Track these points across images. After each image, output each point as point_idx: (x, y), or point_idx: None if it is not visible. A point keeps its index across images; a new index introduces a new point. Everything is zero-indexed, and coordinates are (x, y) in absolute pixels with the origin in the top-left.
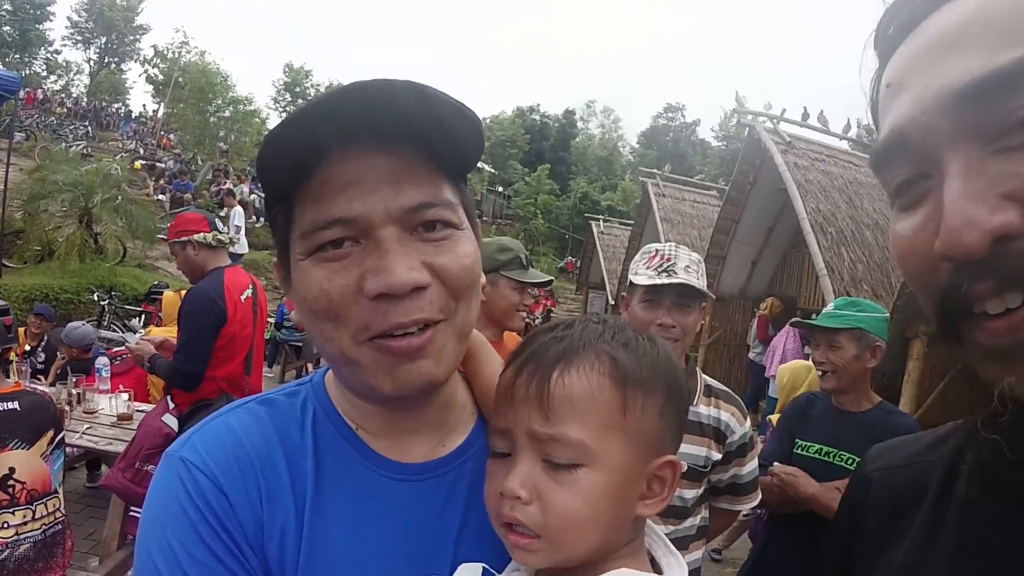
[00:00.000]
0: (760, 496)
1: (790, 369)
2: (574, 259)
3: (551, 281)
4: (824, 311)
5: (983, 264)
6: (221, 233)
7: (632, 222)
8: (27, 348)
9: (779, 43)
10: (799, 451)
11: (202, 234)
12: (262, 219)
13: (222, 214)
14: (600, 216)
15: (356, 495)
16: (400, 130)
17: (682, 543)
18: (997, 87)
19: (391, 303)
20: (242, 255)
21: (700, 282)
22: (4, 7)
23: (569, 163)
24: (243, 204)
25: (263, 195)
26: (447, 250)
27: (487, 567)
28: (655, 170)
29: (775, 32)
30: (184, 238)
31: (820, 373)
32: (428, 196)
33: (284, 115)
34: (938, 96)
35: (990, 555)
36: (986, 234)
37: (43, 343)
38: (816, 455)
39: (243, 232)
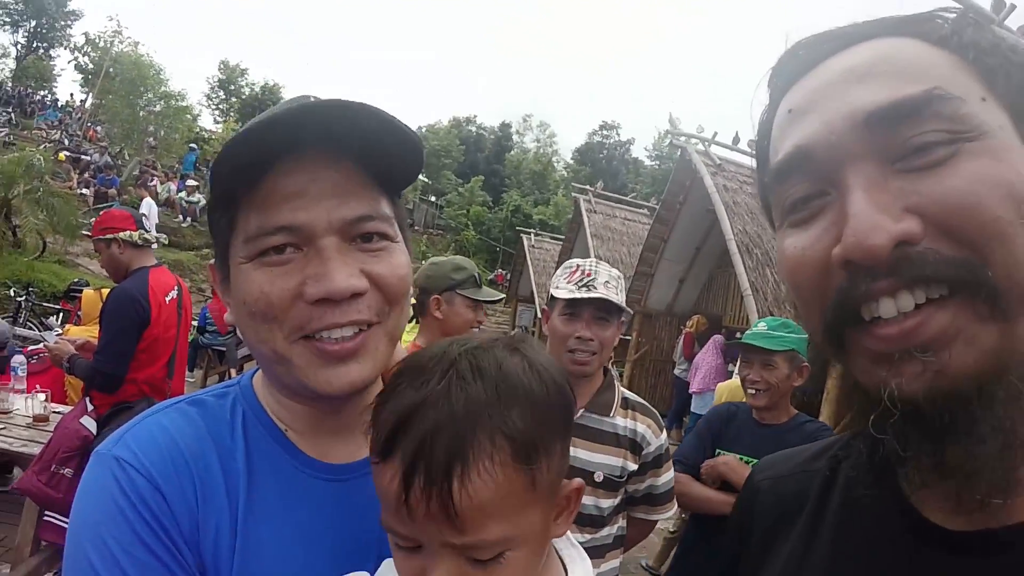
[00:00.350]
0: (676, 507)
1: (728, 388)
2: (504, 271)
3: (503, 299)
4: (755, 331)
5: (883, 267)
6: (147, 232)
7: (563, 237)
8: None
9: (716, 68)
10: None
11: (128, 232)
12: (188, 219)
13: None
14: (532, 230)
15: (286, 494)
16: (345, 145)
17: (599, 551)
18: (902, 114)
19: (329, 307)
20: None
21: (619, 297)
22: None
23: (503, 176)
24: (170, 202)
25: (190, 196)
26: (383, 260)
27: None
28: (588, 186)
29: (711, 57)
30: (109, 235)
31: (752, 391)
32: (368, 209)
33: (218, 112)
34: (846, 117)
35: (861, 560)
36: (891, 238)
37: None
38: None
39: (153, 225)
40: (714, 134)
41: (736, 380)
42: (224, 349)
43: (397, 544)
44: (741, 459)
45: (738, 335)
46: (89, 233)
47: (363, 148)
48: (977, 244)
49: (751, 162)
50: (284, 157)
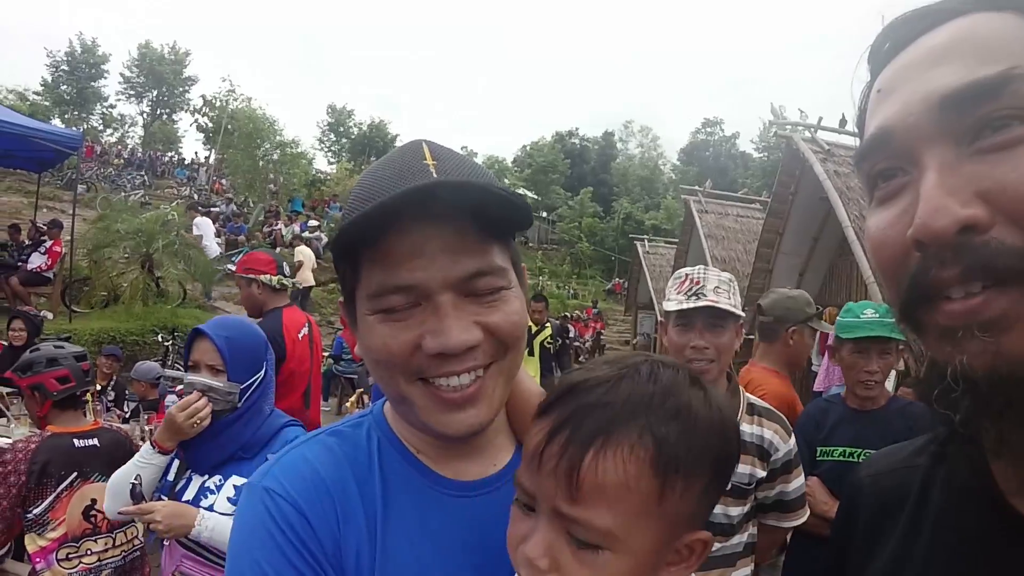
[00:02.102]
0: (808, 512)
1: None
2: (621, 280)
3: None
4: (868, 319)
5: (949, 252)
6: (286, 277)
7: (677, 240)
8: (98, 387)
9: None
10: (821, 458)
11: (268, 276)
12: (314, 256)
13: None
14: (645, 236)
15: (421, 512)
16: (458, 208)
17: (729, 560)
18: (975, 95)
19: (447, 359)
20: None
21: (731, 301)
22: (61, 68)
23: (611, 184)
24: (295, 243)
25: (312, 235)
26: (497, 309)
27: None
28: (696, 187)
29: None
30: (251, 276)
31: (870, 383)
32: (481, 264)
33: (331, 154)
34: (923, 100)
35: (960, 555)
36: (955, 222)
37: (112, 383)
38: (841, 457)
39: (212, 240)
40: (819, 119)
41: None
42: (355, 377)
43: (517, 500)
44: (847, 452)
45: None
46: (232, 271)
47: (475, 209)
48: None
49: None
50: (400, 218)
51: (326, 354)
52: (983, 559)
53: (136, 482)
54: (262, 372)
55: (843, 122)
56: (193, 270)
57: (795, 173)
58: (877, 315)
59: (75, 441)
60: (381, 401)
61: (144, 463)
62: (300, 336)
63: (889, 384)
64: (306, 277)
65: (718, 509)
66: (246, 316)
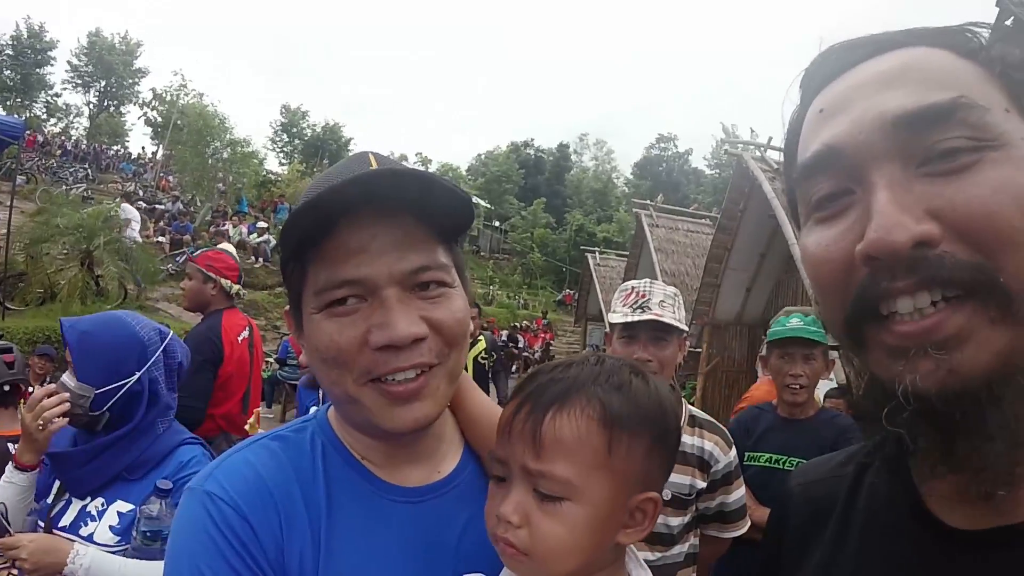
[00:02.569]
0: (749, 523)
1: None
2: (572, 292)
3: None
4: (793, 325)
5: (902, 265)
6: (241, 288)
7: (627, 253)
8: (31, 389)
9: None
10: (749, 463)
11: (229, 283)
12: (260, 259)
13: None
14: (596, 248)
15: (364, 517)
16: (401, 203)
17: (670, 570)
18: (928, 118)
19: (393, 353)
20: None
21: (675, 315)
22: (6, 52)
23: (564, 196)
24: (242, 244)
25: (260, 238)
26: (441, 306)
27: None
28: (648, 201)
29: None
30: (213, 275)
31: (796, 387)
32: (425, 260)
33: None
34: (875, 119)
35: (883, 560)
36: (912, 237)
37: (46, 383)
38: (767, 463)
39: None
40: (769, 139)
41: (763, 388)
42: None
43: (493, 476)
44: (773, 459)
45: (762, 336)
46: (176, 271)
47: (417, 204)
48: (992, 250)
49: None
50: (346, 216)
51: (271, 359)
52: (908, 567)
53: None
54: (131, 380)
55: None
56: (135, 269)
57: (744, 190)
58: (802, 323)
59: (10, 445)
60: (325, 407)
61: (5, 483)
62: (239, 339)
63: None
64: (134, 238)
65: (659, 519)
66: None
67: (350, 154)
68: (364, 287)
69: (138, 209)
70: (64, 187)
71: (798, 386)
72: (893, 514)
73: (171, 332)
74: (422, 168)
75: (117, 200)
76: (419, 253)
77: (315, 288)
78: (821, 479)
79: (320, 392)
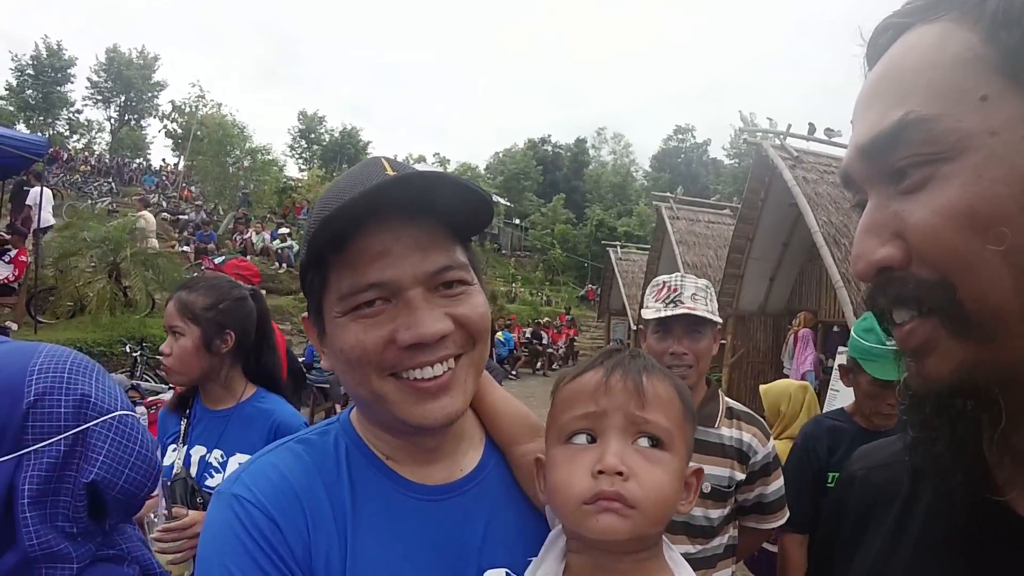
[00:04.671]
0: (788, 514)
1: (779, 388)
2: (594, 287)
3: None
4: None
5: (881, 285)
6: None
7: (649, 247)
8: None
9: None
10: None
11: (253, 288)
12: (284, 265)
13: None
14: (617, 242)
15: (389, 515)
16: (421, 206)
17: (710, 562)
18: (879, 148)
19: (420, 349)
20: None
21: (708, 307)
22: (27, 72)
23: (583, 191)
24: (266, 251)
25: (283, 244)
26: (464, 302)
27: (509, 571)
28: (668, 193)
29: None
30: (240, 282)
31: (892, 415)
32: (447, 260)
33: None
34: (853, 148)
35: (948, 554)
36: (871, 265)
37: None
38: None
39: (49, 211)
40: (788, 127)
41: (787, 381)
42: (328, 386)
43: (566, 442)
44: None
45: (835, 329)
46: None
47: (436, 206)
48: (945, 271)
49: (829, 151)
50: (368, 220)
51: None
52: (971, 555)
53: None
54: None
55: (811, 129)
56: (162, 279)
57: (765, 180)
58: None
59: None
60: (348, 409)
61: None
62: None
63: None
64: (152, 245)
65: (699, 511)
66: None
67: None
68: (389, 289)
69: (163, 220)
70: (89, 201)
71: (895, 413)
72: (960, 502)
73: (133, 415)
74: (439, 168)
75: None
76: (441, 254)
77: (339, 293)
78: (884, 464)
79: (183, 423)
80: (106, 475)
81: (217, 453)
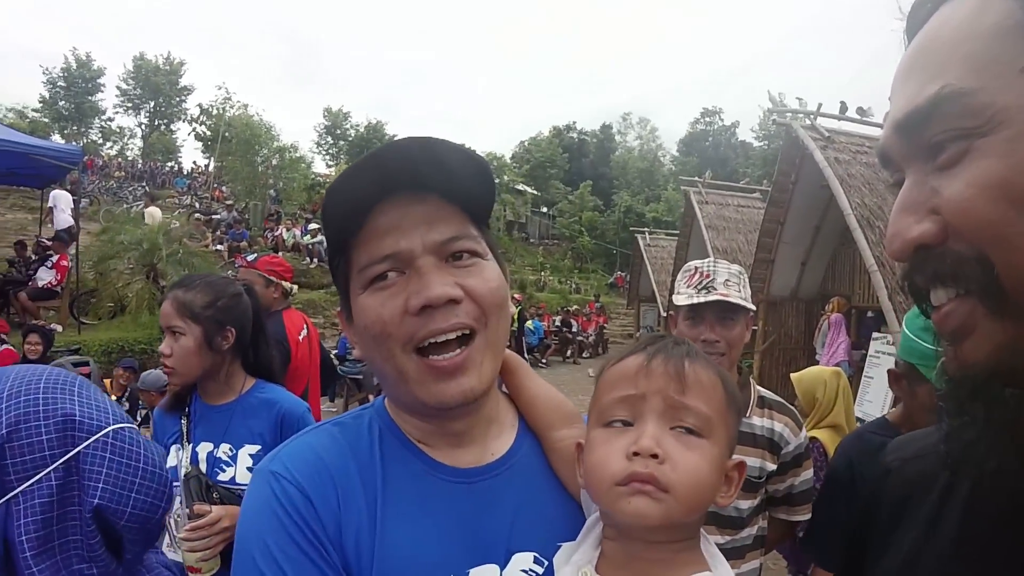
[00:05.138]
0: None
1: (812, 376)
2: (623, 274)
3: None
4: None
5: (917, 263)
6: (295, 287)
7: (678, 232)
8: (114, 398)
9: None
10: None
11: (289, 284)
12: (315, 260)
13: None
14: (646, 228)
15: (419, 496)
16: (428, 182)
17: (739, 552)
18: (914, 124)
19: (431, 315)
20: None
21: (741, 294)
22: (59, 84)
23: (610, 178)
24: (296, 247)
25: (314, 239)
26: (474, 274)
27: (537, 555)
28: (696, 178)
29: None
30: (275, 279)
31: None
32: (455, 231)
33: (329, 157)
34: (890, 124)
35: (987, 545)
36: (907, 244)
37: (127, 393)
38: None
39: (68, 213)
40: (819, 106)
41: (819, 368)
42: (361, 377)
43: (605, 424)
44: None
45: (869, 314)
46: (250, 263)
47: (440, 179)
48: (981, 245)
49: (862, 130)
50: (379, 202)
51: (331, 354)
52: (1010, 548)
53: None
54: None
55: (843, 108)
56: None
57: (795, 161)
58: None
59: None
60: (382, 396)
61: None
62: (301, 338)
63: None
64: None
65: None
66: None
67: None
68: (401, 260)
69: (196, 220)
70: (125, 205)
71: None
72: (1001, 494)
73: (131, 427)
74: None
75: (176, 213)
76: (449, 225)
77: (358, 269)
78: (919, 456)
79: (184, 422)
80: (111, 502)
81: (225, 447)
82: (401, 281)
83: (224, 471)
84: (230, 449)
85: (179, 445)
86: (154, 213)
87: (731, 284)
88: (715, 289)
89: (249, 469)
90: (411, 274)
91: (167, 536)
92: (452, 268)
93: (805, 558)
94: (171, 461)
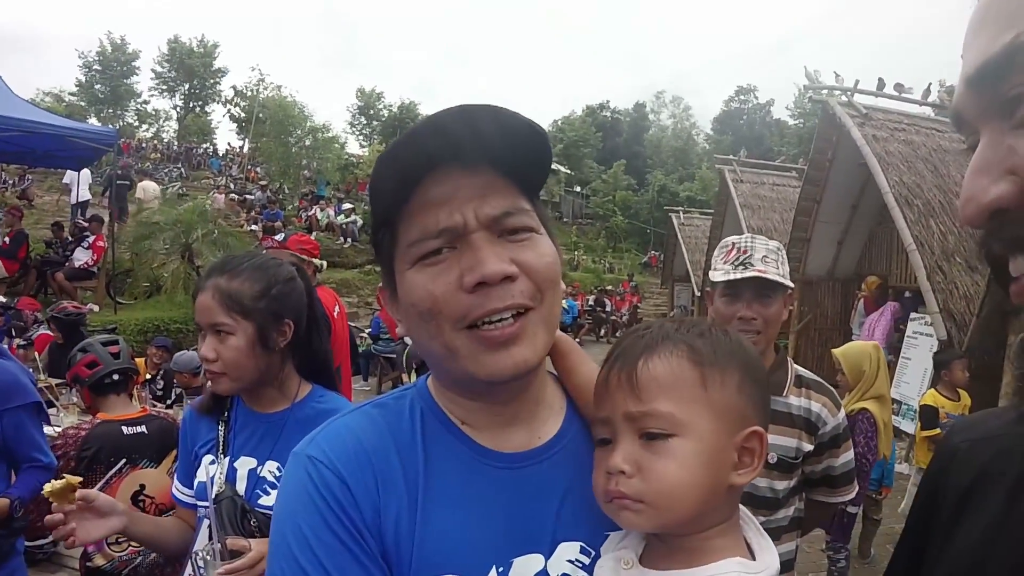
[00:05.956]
0: (856, 489)
1: (860, 349)
2: (657, 253)
3: None
4: None
5: (995, 228)
6: (323, 262)
7: (712, 211)
8: (147, 377)
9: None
10: None
11: (319, 260)
12: (349, 240)
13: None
14: (680, 208)
15: (462, 481)
16: (480, 152)
17: (774, 534)
18: (988, 77)
19: (486, 293)
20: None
21: (780, 270)
22: (95, 68)
23: (644, 157)
24: (331, 227)
25: (348, 219)
26: (529, 248)
27: (584, 545)
28: (731, 156)
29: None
30: (305, 256)
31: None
32: (508, 205)
33: (362, 138)
34: (963, 81)
35: None
36: (982, 208)
37: (161, 372)
38: None
39: (86, 188)
40: (856, 82)
41: (860, 343)
42: (394, 356)
43: (597, 441)
44: None
45: (907, 294)
46: (280, 245)
47: (495, 151)
48: None
49: (900, 107)
50: (430, 172)
51: (364, 334)
52: None
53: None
54: None
55: (881, 84)
56: None
57: (832, 139)
58: None
59: (124, 428)
60: (425, 376)
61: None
62: (335, 314)
63: None
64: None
65: (763, 482)
66: None
67: None
68: (454, 234)
69: (231, 200)
70: (161, 187)
71: None
72: None
73: None
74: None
75: (210, 194)
76: (503, 198)
77: (407, 243)
78: (991, 436)
79: (222, 429)
80: None
81: (272, 465)
82: (453, 256)
83: (268, 494)
84: (278, 469)
85: (213, 456)
86: (147, 187)
87: (769, 261)
88: (752, 265)
89: None
90: (463, 249)
91: (190, 569)
92: (506, 243)
93: (838, 529)
94: (201, 476)
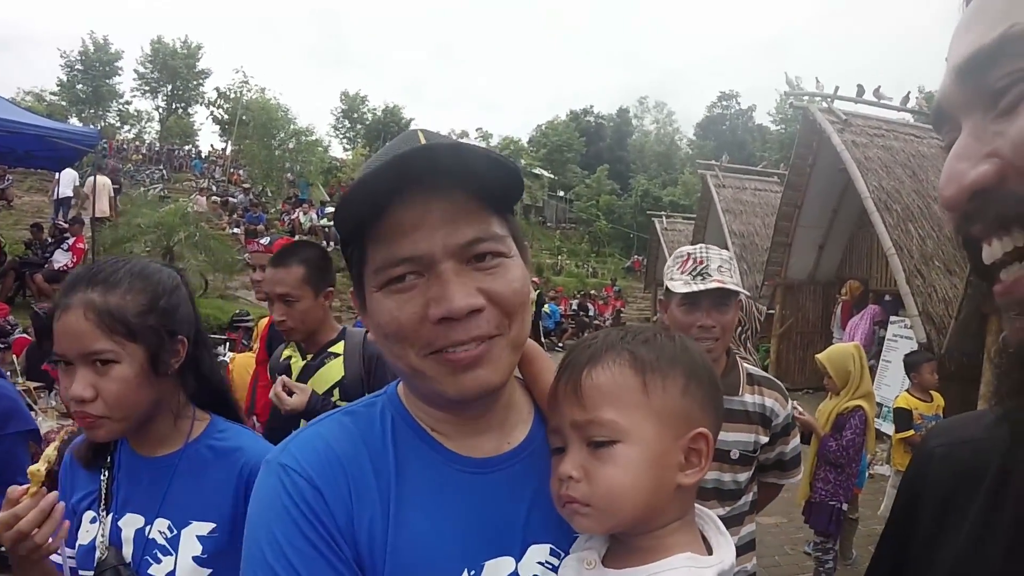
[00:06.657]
0: (803, 471)
1: (843, 351)
2: (640, 257)
3: None
4: None
5: (968, 213)
6: None
7: (695, 216)
8: None
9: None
10: None
11: None
12: (332, 243)
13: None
14: (663, 212)
15: (434, 487)
16: (451, 176)
17: (739, 519)
18: (978, 65)
19: (451, 325)
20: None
21: (734, 279)
22: (76, 67)
23: (628, 162)
24: (314, 230)
25: (331, 222)
26: (498, 276)
27: (554, 547)
28: (713, 161)
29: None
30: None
31: None
32: (479, 232)
33: (346, 141)
34: (951, 71)
35: None
36: (963, 189)
37: None
38: None
39: (68, 187)
40: (836, 89)
41: (841, 344)
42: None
43: (552, 449)
44: None
45: (887, 298)
46: (260, 251)
47: (466, 178)
48: None
49: (879, 113)
50: (398, 194)
51: None
52: None
53: None
54: None
55: (860, 91)
56: (214, 261)
57: (812, 145)
58: None
59: None
60: (395, 382)
61: None
62: None
63: None
64: (102, 208)
65: (728, 476)
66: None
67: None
68: (421, 263)
69: (213, 203)
70: (142, 189)
71: None
72: None
73: None
74: (481, 143)
75: (192, 196)
76: (472, 226)
77: (374, 267)
78: (969, 440)
79: (104, 478)
80: None
81: (162, 524)
82: (420, 284)
83: (160, 562)
84: (169, 528)
85: (95, 513)
86: (101, 181)
87: (724, 270)
88: (710, 276)
89: (197, 560)
90: (431, 278)
91: None
92: (474, 272)
93: (832, 527)
94: (82, 538)
